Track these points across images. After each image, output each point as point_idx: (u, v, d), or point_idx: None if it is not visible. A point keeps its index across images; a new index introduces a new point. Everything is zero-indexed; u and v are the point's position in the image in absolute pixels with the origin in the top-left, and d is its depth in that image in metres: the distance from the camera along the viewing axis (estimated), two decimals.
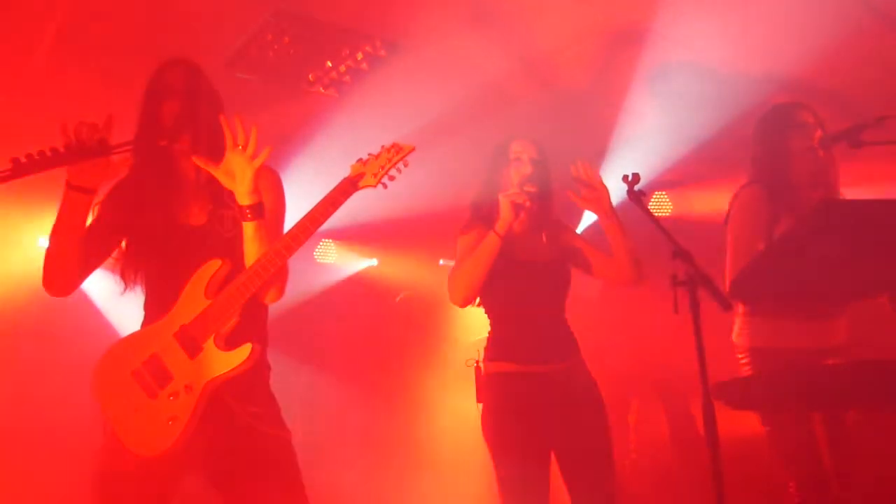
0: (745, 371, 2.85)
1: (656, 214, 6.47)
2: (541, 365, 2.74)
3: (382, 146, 2.28)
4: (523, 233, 2.90)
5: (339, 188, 2.22)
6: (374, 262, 6.70)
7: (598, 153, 5.25)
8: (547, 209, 2.94)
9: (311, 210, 2.20)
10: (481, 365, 2.87)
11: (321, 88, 3.96)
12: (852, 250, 2.11)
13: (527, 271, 2.83)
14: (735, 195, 2.95)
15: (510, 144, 2.93)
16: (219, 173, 2.19)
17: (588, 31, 3.55)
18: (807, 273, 2.21)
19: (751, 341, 2.85)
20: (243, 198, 2.17)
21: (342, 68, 3.81)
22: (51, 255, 2.20)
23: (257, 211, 2.18)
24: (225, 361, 2.15)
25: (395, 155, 2.24)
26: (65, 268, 2.22)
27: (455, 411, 4.96)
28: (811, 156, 2.83)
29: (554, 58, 3.87)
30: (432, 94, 4.14)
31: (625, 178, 2.39)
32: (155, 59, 3.36)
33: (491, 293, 2.83)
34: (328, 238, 6.38)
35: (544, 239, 2.94)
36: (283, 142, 4.60)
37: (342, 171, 2.16)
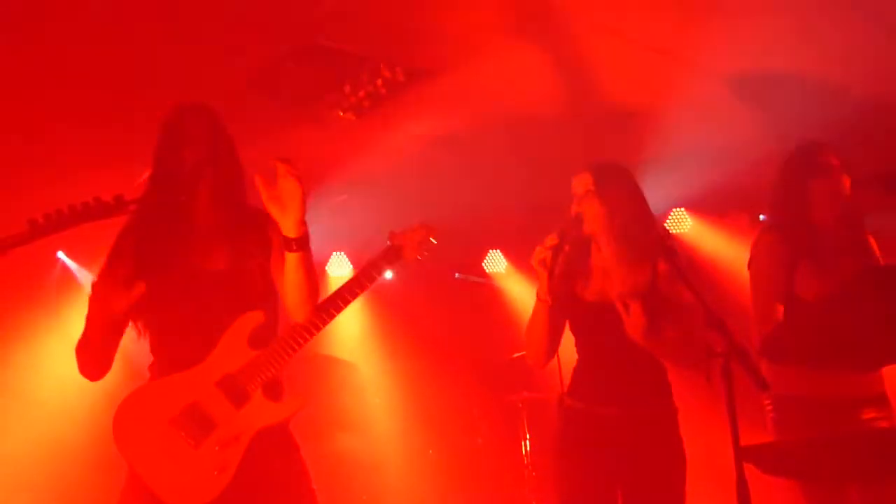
0: (770, 419, 2.79)
1: (674, 231, 6.34)
2: (610, 407, 2.64)
3: (410, 226, 2.47)
4: (594, 269, 2.77)
5: (383, 256, 2.38)
6: (387, 274, 6.64)
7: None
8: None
9: (360, 271, 2.34)
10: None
11: (340, 112, 3.91)
12: (892, 316, 2.04)
13: (595, 312, 2.71)
14: (755, 241, 2.91)
15: (573, 181, 2.82)
16: (269, 201, 2.12)
17: (621, 53, 3.46)
18: (843, 337, 2.14)
19: (777, 388, 2.76)
20: (290, 230, 2.12)
21: (361, 93, 3.75)
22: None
23: (301, 243, 2.15)
24: (275, 412, 2.16)
25: (428, 234, 2.44)
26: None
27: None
28: (835, 200, 2.78)
29: (579, 82, 3.79)
30: (451, 118, 4.10)
31: (658, 232, 2.32)
32: (175, 85, 3.35)
33: (572, 332, 2.79)
34: (341, 251, 6.33)
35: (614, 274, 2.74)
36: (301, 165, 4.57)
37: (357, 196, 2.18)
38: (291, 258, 2.17)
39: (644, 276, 2.66)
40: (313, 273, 2.23)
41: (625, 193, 2.75)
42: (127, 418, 2.15)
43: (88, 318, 2.16)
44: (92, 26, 2.77)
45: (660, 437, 2.66)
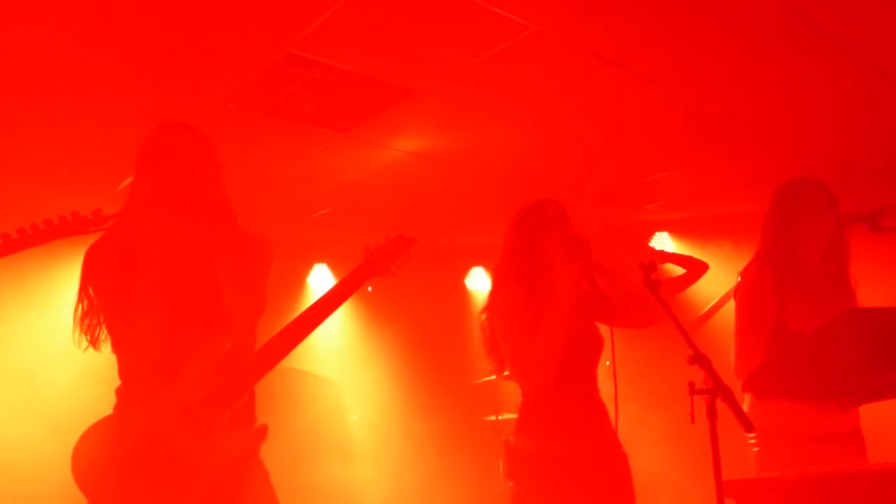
0: (754, 454, 2.78)
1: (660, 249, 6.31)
2: (564, 443, 2.53)
3: (388, 237, 2.34)
4: None
5: (355, 274, 2.25)
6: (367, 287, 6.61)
7: (607, 195, 5.21)
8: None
9: (331, 288, 2.21)
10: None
11: (323, 128, 3.88)
12: (875, 356, 2.05)
13: None
14: (743, 270, 2.91)
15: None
16: None
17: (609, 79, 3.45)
18: (830, 372, 2.14)
19: (761, 421, 2.75)
20: None
21: (345, 108, 3.71)
22: None
23: None
24: (239, 443, 2.08)
25: (404, 248, 2.32)
26: None
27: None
28: (824, 238, 2.79)
29: (572, 108, 3.78)
30: (440, 138, 4.08)
31: (640, 264, 2.28)
32: (158, 101, 3.30)
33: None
34: (322, 262, 6.28)
35: None
36: (281, 176, 4.53)
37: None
38: None
39: None
40: None
41: None
42: (84, 456, 2.03)
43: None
44: (75, 38, 2.72)
45: (615, 470, 2.60)
